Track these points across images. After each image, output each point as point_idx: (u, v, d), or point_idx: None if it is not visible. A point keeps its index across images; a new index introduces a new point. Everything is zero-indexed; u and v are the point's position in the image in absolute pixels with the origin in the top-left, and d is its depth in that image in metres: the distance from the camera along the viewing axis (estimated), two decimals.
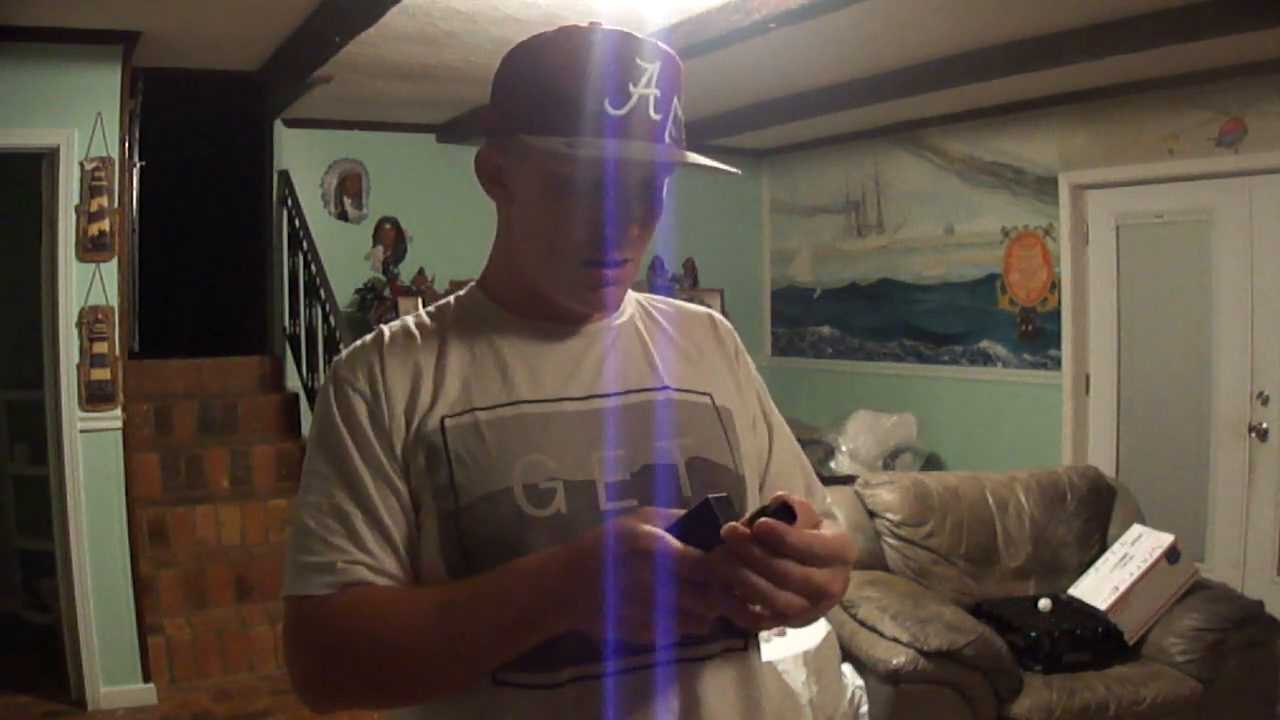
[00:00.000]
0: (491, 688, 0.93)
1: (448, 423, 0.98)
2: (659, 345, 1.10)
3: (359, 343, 1.05)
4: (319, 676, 0.96)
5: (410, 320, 1.07)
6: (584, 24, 0.98)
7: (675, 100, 0.98)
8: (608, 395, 1.03)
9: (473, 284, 1.12)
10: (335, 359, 1.05)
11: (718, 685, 0.98)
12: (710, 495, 0.83)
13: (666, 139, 0.97)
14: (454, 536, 0.95)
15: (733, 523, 0.81)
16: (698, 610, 0.82)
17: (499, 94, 1.02)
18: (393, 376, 1.00)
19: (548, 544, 0.92)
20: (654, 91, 0.95)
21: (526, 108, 0.96)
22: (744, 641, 1.02)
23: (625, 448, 1.00)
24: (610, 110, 0.94)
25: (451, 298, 1.11)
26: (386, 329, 1.06)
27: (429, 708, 0.98)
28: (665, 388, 1.06)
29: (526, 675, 0.92)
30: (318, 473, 0.99)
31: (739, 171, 1.03)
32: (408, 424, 0.99)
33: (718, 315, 1.19)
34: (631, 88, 0.94)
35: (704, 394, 1.08)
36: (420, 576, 0.98)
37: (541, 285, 1.04)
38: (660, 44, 0.98)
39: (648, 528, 0.83)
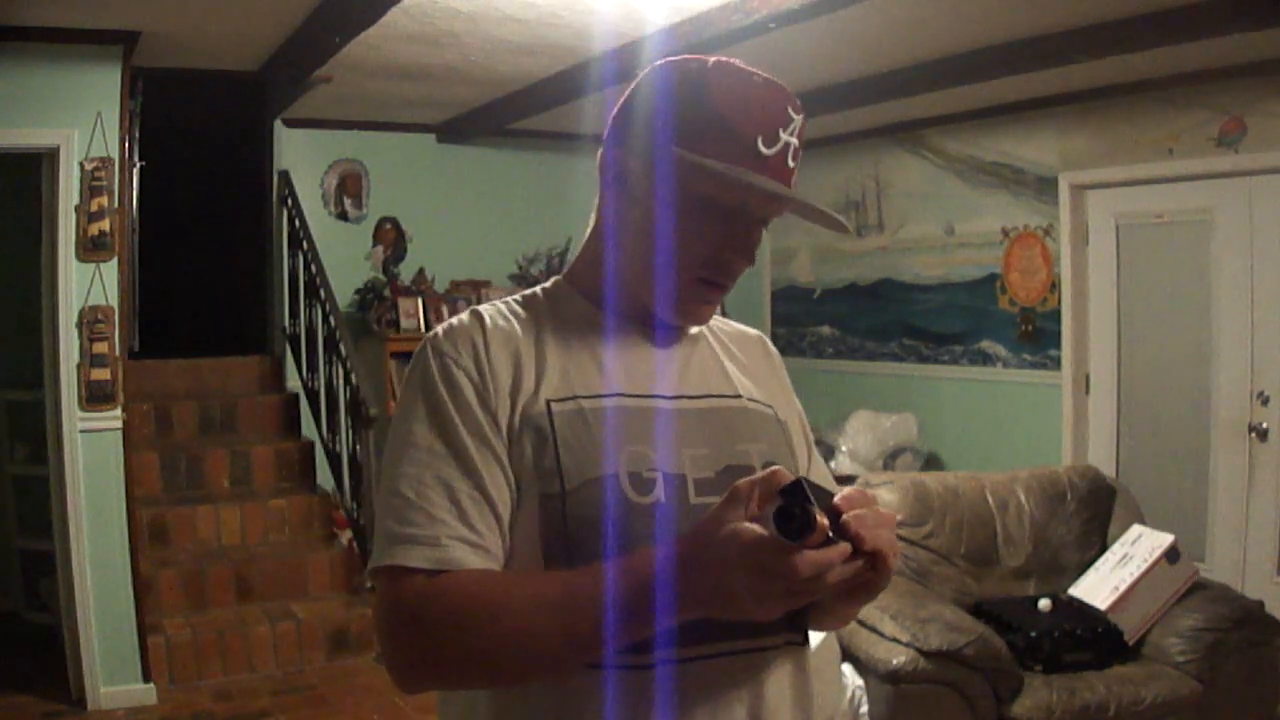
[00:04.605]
0: (583, 669, 0.96)
1: (554, 407, 1.01)
2: (726, 360, 1.16)
3: (457, 322, 1.07)
4: (427, 654, 0.95)
5: (502, 306, 1.10)
6: (743, 64, 1.06)
7: (800, 154, 1.06)
8: (694, 397, 1.08)
9: (558, 278, 1.15)
10: (431, 336, 1.06)
11: (778, 676, 1.03)
12: (788, 486, 0.86)
13: (792, 186, 1.05)
14: (557, 518, 0.97)
15: (823, 522, 0.85)
16: (811, 599, 0.88)
17: (644, 104, 1.06)
18: (497, 357, 1.03)
19: (649, 530, 0.97)
20: (795, 141, 1.05)
21: (687, 126, 1.02)
22: (802, 636, 1.07)
23: (709, 448, 1.05)
24: (763, 149, 1.01)
25: (538, 289, 1.14)
26: (484, 311, 1.08)
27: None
28: (740, 396, 1.12)
29: (617, 656, 0.95)
30: (418, 444, 0.99)
31: (850, 229, 1.09)
32: (512, 405, 1.01)
33: (767, 339, 1.27)
34: (782, 133, 1.03)
35: (769, 407, 1.15)
36: (513, 555, 0.99)
37: (642, 290, 1.08)
38: (798, 100, 1.06)
39: (762, 534, 0.85)
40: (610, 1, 3.40)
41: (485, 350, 1.03)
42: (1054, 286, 5.09)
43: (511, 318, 1.08)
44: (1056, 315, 5.07)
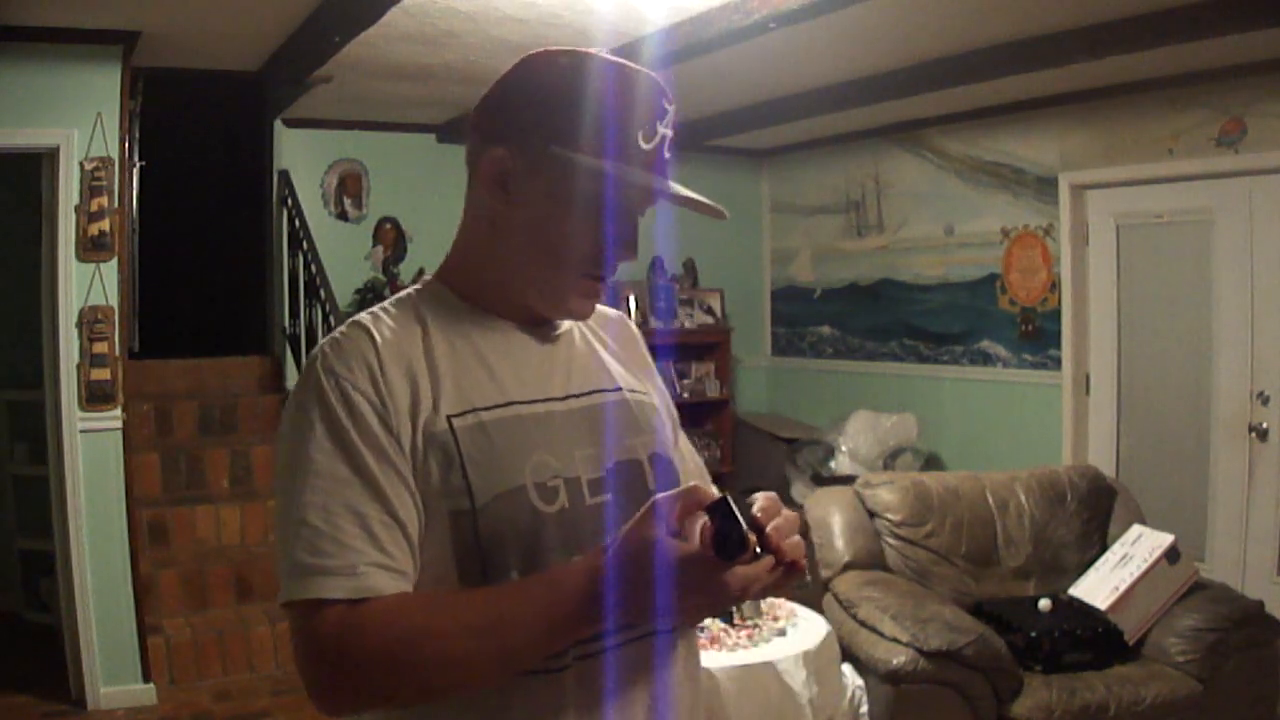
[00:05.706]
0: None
1: (455, 423, 0.99)
2: (600, 349, 1.16)
3: (343, 337, 1.02)
4: (356, 687, 0.93)
5: (383, 315, 1.05)
6: (603, 53, 1.04)
7: (673, 144, 1.07)
8: (579, 395, 1.09)
9: (428, 278, 1.11)
10: (319, 354, 1.01)
11: (672, 659, 1.08)
12: (714, 504, 0.89)
13: (669, 176, 1.06)
14: (470, 535, 0.97)
15: (753, 536, 0.89)
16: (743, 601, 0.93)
17: (523, 101, 1.04)
18: (393, 377, 0.99)
19: (558, 538, 0.99)
20: (670, 132, 1.04)
21: (568, 124, 1.01)
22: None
23: (597, 446, 1.06)
24: (642, 144, 1.01)
25: (412, 290, 1.10)
26: (368, 325, 1.03)
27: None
28: (619, 389, 1.12)
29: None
30: (320, 471, 0.95)
31: (727, 215, 1.07)
32: (413, 426, 0.98)
33: (626, 317, 1.26)
34: (659, 126, 1.03)
35: (645, 393, 1.16)
36: (423, 572, 0.98)
37: (526, 289, 1.06)
38: (670, 91, 1.05)
39: (692, 551, 0.88)
40: (610, 1, 3.40)
41: (380, 370, 0.99)
42: (1054, 286, 5.09)
43: (396, 328, 1.03)
44: (1056, 315, 5.07)
